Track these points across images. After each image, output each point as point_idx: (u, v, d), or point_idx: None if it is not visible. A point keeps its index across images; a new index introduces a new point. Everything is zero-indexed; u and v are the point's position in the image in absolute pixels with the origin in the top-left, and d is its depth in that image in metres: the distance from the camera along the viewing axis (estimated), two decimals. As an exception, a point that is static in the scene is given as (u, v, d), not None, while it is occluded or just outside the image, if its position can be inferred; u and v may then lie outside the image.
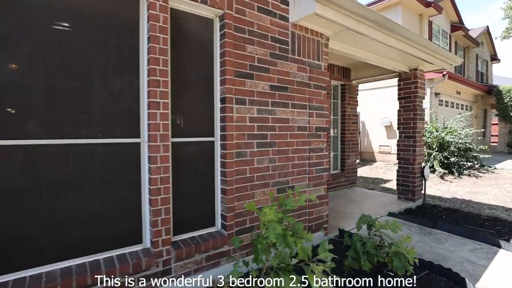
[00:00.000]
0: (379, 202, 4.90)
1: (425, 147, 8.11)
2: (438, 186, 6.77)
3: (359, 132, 11.30)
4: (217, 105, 2.53)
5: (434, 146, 7.70)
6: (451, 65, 4.88)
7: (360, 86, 12.25)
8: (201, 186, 2.50)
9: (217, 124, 2.53)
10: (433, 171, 7.57)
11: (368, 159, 11.20)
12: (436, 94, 9.64)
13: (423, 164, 5.04)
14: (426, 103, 9.57)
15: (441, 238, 3.30)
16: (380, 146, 10.86)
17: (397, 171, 5.09)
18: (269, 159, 2.75)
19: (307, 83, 3.05)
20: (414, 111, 4.82)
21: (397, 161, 5.09)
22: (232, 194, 2.48)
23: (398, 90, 5.05)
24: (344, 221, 3.85)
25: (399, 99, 5.05)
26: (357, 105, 6.14)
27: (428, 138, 7.77)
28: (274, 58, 2.74)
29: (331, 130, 5.90)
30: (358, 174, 8.51)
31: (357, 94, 6.13)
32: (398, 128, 5.08)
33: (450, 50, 13.73)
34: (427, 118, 8.60)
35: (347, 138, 5.91)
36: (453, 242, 3.18)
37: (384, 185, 7.04)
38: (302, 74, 3.00)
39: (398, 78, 5.06)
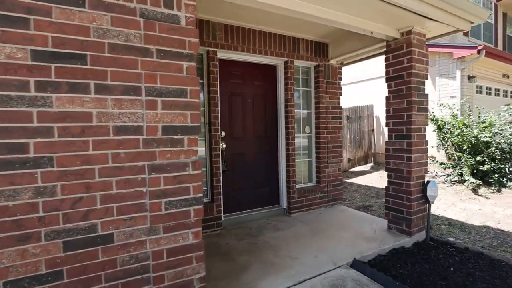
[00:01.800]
0: (356, 234, 3.29)
1: (452, 149, 6.05)
2: (465, 204, 4.81)
3: (373, 130, 9.32)
4: None
5: (464, 148, 5.65)
6: (471, 22, 3.07)
7: (374, 73, 10.24)
8: None
9: None
10: (462, 182, 5.54)
11: (383, 162, 9.15)
12: (470, 78, 7.31)
13: (426, 178, 3.30)
14: (455, 91, 7.34)
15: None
16: (400, 146, 8.78)
17: (386, 188, 3.42)
18: (35, 189, 1.45)
19: (142, 48, 1.69)
20: (408, 97, 3.13)
21: (386, 173, 3.42)
22: None
23: (385, 68, 3.37)
24: (268, 278, 2.39)
25: (386, 80, 3.37)
26: (340, 94, 4.50)
27: (455, 136, 5.73)
28: (38, -4, 1.44)
29: (306, 129, 4.36)
30: (362, 183, 6.76)
31: (339, 79, 4.49)
32: (387, 125, 3.40)
33: (495, 25, 10.89)
34: (455, 109, 6.47)
35: (324, 139, 4.32)
36: None
37: (389, 200, 5.26)
38: (126, 31, 1.65)
39: (385, 49, 3.39)
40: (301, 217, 4.01)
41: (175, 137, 1.80)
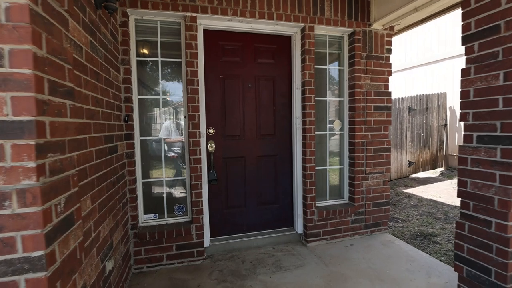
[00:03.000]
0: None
1: None
2: None
3: (445, 125, 7.24)
4: None
5: None
6: None
7: (448, 51, 7.71)
8: None
9: None
10: None
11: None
12: None
13: (541, 215, 1.81)
14: None
15: None
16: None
17: (458, 225, 2.03)
18: None
19: None
20: (510, 67, 1.70)
21: (460, 202, 2.02)
22: None
23: (462, 19, 1.95)
24: None
25: (464, 41, 1.95)
26: (388, 74, 3.11)
27: None
28: None
29: (333, 126, 3.14)
30: (426, 195, 5.12)
31: (387, 51, 3.10)
32: (462, 118, 1.99)
33: None
34: None
35: (361, 139, 3.02)
36: None
37: (464, 227, 3.63)
38: None
39: (464, -13, 1.96)
40: (321, 248, 2.83)
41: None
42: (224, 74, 2.81)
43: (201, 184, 2.61)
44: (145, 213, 2.62)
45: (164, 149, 2.66)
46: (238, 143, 2.89)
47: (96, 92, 1.70)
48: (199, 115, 2.57)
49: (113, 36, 2.17)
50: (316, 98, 2.96)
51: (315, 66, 2.91)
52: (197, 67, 2.54)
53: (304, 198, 2.94)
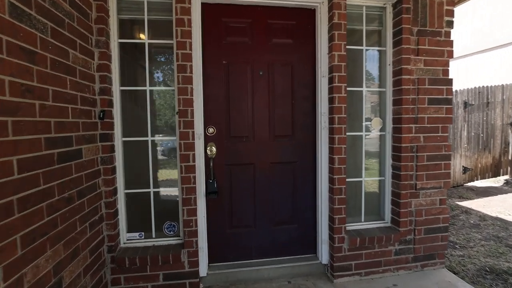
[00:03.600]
0: None
1: None
2: None
3: (511, 124, 5.96)
4: None
5: None
6: None
7: None
8: None
9: None
10: None
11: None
12: None
13: None
14: None
15: None
16: None
17: None
18: None
19: None
20: None
21: None
22: None
23: None
24: None
25: None
26: (449, 56, 2.30)
27: None
28: None
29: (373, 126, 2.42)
30: (490, 211, 4.20)
31: (448, 25, 2.29)
32: None
33: None
34: None
35: (410, 143, 2.25)
36: None
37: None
38: None
39: None
40: (353, 287, 2.14)
41: None
42: (229, 58, 2.22)
43: (195, 198, 2.05)
44: (129, 231, 2.13)
45: (154, 152, 2.15)
46: (245, 146, 2.29)
47: (26, 78, 1.20)
48: (192, 110, 2.02)
49: (79, 10, 1.69)
50: (348, 89, 2.25)
51: (347, 47, 2.21)
52: (190, 49, 1.98)
53: (331, 219, 2.26)
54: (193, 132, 2.03)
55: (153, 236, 2.15)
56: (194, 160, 2.04)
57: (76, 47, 1.64)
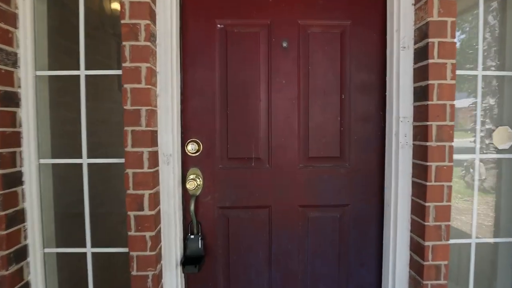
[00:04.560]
0: None
1: None
2: None
3: None
4: None
5: None
6: None
7: None
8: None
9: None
10: None
11: None
12: None
13: None
14: None
15: None
16: None
17: None
18: None
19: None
20: None
21: None
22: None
23: None
24: None
25: None
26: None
27: None
28: None
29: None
30: None
31: None
32: None
33: None
34: None
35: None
36: None
37: None
38: None
39: None
40: None
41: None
42: (226, 20, 1.25)
43: (155, 276, 1.09)
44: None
45: (94, 182, 1.24)
46: (255, 175, 1.29)
47: None
48: (153, 111, 1.07)
49: None
50: (458, 73, 1.16)
51: (454, -10, 1.12)
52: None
53: (415, 319, 1.17)
54: (154, 153, 1.08)
55: (90, 330, 1.23)
56: (154, 205, 1.08)
57: None
